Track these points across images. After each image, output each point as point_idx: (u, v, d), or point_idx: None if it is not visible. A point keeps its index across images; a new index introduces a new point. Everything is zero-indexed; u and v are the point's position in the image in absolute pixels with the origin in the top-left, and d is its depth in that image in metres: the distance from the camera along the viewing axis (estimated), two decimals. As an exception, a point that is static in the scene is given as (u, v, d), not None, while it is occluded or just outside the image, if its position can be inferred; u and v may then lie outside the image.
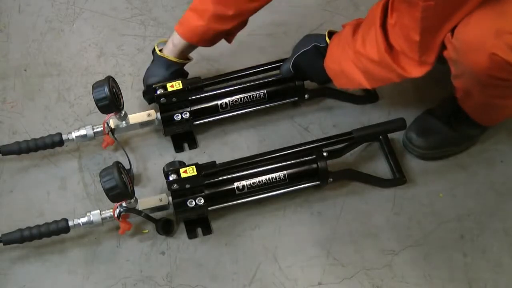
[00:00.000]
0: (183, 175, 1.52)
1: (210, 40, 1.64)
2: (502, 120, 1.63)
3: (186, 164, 1.58)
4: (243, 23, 1.64)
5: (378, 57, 1.43)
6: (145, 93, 1.71)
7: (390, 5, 1.39)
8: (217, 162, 1.59)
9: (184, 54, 1.67)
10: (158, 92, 1.65)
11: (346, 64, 1.51)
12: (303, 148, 1.59)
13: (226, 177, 1.56)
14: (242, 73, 1.72)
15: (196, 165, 1.54)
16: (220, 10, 1.56)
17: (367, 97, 1.76)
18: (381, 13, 1.41)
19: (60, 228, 1.50)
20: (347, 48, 1.50)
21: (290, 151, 1.59)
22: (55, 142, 1.63)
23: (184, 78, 1.70)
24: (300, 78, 1.67)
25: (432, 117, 1.64)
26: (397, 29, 1.38)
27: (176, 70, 1.68)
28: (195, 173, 1.52)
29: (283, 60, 1.70)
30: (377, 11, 1.42)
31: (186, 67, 1.73)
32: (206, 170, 1.55)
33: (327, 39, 1.58)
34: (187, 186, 1.51)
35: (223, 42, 1.69)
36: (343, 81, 1.56)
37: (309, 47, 1.59)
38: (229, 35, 1.66)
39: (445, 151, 1.65)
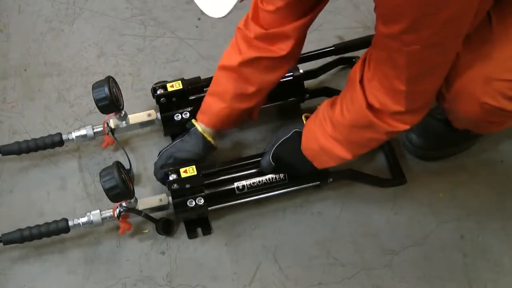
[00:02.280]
0: (183, 175, 1.52)
1: (234, 121, 1.57)
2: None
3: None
4: (264, 98, 1.57)
5: (360, 117, 1.34)
6: (161, 177, 1.57)
7: (368, 57, 1.31)
8: (217, 162, 1.59)
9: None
10: (158, 92, 1.65)
11: (324, 140, 1.42)
12: None
13: (226, 177, 1.56)
14: (242, 73, 1.72)
15: (196, 165, 1.54)
16: (240, 89, 1.50)
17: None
18: (360, 68, 1.33)
19: (60, 228, 1.50)
20: (324, 123, 1.42)
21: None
22: (55, 142, 1.63)
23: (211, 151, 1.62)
24: (282, 171, 1.55)
25: (432, 118, 1.63)
26: (375, 83, 1.29)
27: (208, 148, 1.58)
28: (195, 173, 1.52)
29: None
30: (357, 67, 1.34)
31: (185, 68, 1.72)
32: (206, 170, 1.55)
33: (304, 121, 1.51)
34: (187, 186, 1.51)
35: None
36: (323, 158, 1.46)
37: (289, 135, 1.50)
38: (252, 112, 1.59)
39: (445, 151, 1.65)
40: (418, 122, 1.34)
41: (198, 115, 1.57)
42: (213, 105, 1.53)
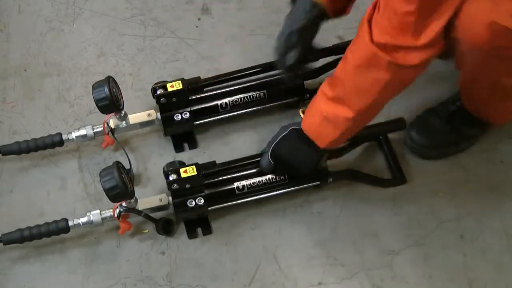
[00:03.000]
0: (183, 175, 1.52)
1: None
2: (508, 119, 1.62)
3: (186, 164, 1.58)
4: None
5: (363, 53, 1.30)
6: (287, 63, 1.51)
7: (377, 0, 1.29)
8: (217, 162, 1.59)
9: None
10: (158, 92, 1.65)
11: (325, 106, 1.40)
12: None
13: (226, 177, 1.56)
14: (242, 73, 1.72)
15: (196, 165, 1.54)
16: None
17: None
18: (370, 12, 1.30)
19: (60, 228, 1.50)
20: (322, 91, 1.41)
21: None
22: (55, 142, 1.63)
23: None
24: (281, 170, 1.54)
25: (433, 116, 1.64)
26: (383, 22, 1.26)
27: (319, 12, 1.49)
28: (195, 173, 1.52)
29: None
30: (366, 12, 1.31)
31: (185, 68, 1.71)
32: (206, 170, 1.55)
33: (301, 115, 1.49)
34: (187, 186, 1.51)
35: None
36: (326, 131, 1.42)
37: (286, 132, 1.48)
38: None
39: (445, 150, 1.65)
40: (425, 61, 1.28)
41: None
42: None
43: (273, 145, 1.50)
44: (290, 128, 1.49)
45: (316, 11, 1.48)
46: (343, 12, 1.52)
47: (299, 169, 1.52)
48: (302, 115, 1.50)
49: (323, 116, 1.41)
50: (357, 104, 1.36)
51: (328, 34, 1.87)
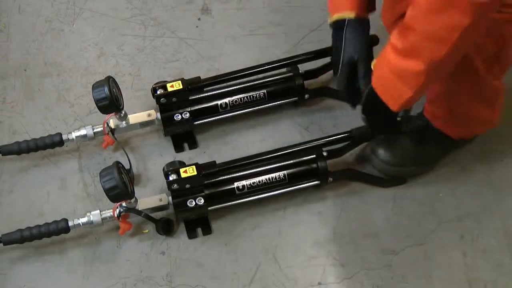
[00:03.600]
0: (183, 175, 1.52)
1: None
2: (474, 131, 1.60)
3: (186, 164, 1.58)
4: None
5: None
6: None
7: None
8: (217, 162, 1.59)
9: None
10: (158, 92, 1.65)
11: (394, 60, 1.26)
12: (302, 147, 1.59)
13: (226, 177, 1.56)
14: (242, 73, 1.72)
15: (196, 165, 1.54)
16: None
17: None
18: None
19: (60, 228, 1.50)
20: (390, 47, 1.27)
21: (290, 150, 1.59)
22: (55, 142, 1.63)
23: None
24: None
25: (401, 134, 1.59)
26: None
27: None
28: (195, 173, 1.52)
29: (283, 60, 1.70)
30: None
31: (185, 68, 1.71)
32: (206, 170, 1.55)
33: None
34: (187, 186, 1.51)
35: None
36: (398, 89, 1.28)
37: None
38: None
39: (407, 170, 1.61)
40: None
41: (332, 12, 1.42)
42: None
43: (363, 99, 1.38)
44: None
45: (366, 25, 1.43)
46: (373, 9, 1.47)
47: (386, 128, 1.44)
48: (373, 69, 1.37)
49: (391, 72, 1.28)
50: (430, 54, 1.22)
51: (328, 34, 1.88)
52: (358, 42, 1.40)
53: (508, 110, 1.57)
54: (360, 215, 1.60)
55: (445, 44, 1.19)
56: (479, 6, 1.14)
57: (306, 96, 1.71)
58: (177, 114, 1.66)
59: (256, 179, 1.55)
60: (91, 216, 1.51)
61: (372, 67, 1.36)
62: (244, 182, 1.55)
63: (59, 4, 2.00)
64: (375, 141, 1.61)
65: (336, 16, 1.41)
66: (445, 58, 1.21)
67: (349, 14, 1.39)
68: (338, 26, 1.41)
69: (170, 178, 1.52)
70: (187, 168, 1.53)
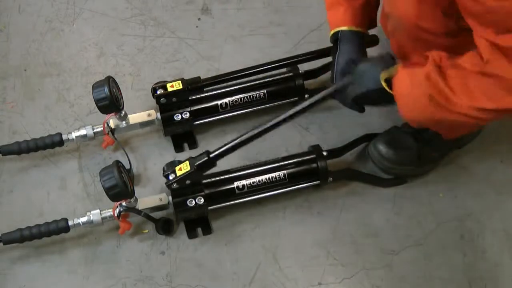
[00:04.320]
0: (178, 172, 1.49)
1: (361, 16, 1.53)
2: (460, 132, 1.60)
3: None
4: None
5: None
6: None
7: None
8: (217, 162, 1.58)
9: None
10: (158, 92, 1.65)
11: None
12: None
13: (226, 176, 1.56)
14: (242, 73, 1.72)
15: (189, 159, 1.52)
16: None
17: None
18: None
19: (60, 228, 1.50)
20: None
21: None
22: (55, 142, 1.63)
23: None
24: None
25: (403, 133, 1.61)
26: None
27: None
28: (189, 168, 1.49)
29: (283, 60, 1.70)
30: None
31: (185, 68, 1.71)
32: (197, 160, 1.51)
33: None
34: (188, 182, 1.50)
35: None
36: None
37: (375, 88, 1.39)
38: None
39: (408, 169, 1.62)
40: None
41: (332, 25, 1.54)
42: (337, 14, 1.53)
43: (356, 94, 1.42)
44: (380, 87, 1.38)
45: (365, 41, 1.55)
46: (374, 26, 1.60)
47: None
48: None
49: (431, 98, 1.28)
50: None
51: (328, 34, 1.88)
52: (350, 51, 1.50)
53: (508, 110, 1.57)
54: (360, 215, 1.60)
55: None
56: None
57: (306, 96, 1.71)
58: (177, 114, 1.66)
59: (256, 179, 1.55)
60: (91, 215, 1.51)
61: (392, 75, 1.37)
62: (244, 182, 1.55)
63: (59, 4, 2.00)
64: (378, 138, 1.61)
65: (333, 31, 1.54)
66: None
67: (342, 27, 1.52)
68: (334, 39, 1.54)
69: (170, 178, 1.52)
70: (181, 165, 1.51)
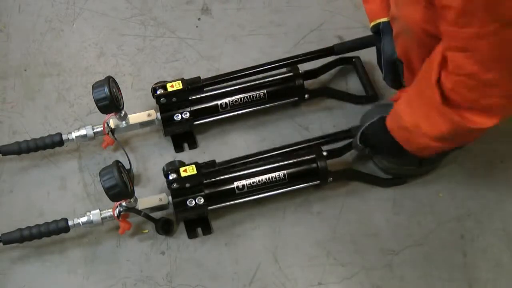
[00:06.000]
0: (183, 174, 1.52)
1: None
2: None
3: (186, 164, 1.58)
4: None
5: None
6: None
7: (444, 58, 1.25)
8: (217, 162, 1.59)
9: None
10: (158, 92, 1.65)
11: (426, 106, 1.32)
12: (302, 146, 1.60)
13: (226, 176, 1.56)
14: (242, 73, 1.72)
15: (196, 164, 1.54)
16: None
17: (367, 97, 1.76)
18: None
19: (60, 228, 1.50)
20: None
21: (289, 149, 1.59)
22: (55, 142, 1.63)
23: None
24: (371, 151, 1.56)
25: None
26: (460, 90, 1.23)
27: None
28: (195, 172, 1.52)
29: (283, 60, 1.70)
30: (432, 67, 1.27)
31: (185, 68, 1.71)
32: (206, 168, 1.55)
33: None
34: (187, 185, 1.51)
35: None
36: (425, 128, 1.34)
37: (374, 119, 1.49)
38: None
39: (408, 170, 1.61)
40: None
41: (372, 16, 1.56)
42: (374, 6, 1.55)
43: (361, 130, 1.52)
44: (378, 116, 1.48)
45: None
46: None
47: (385, 153, 1.57)
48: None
49: (424, 114, 1.34)
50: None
51: (328, 34, 1.88)
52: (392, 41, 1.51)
53: (508, 110, 1.57)
54: (360, 215, 1.60)
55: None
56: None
57: (306, 96, 1.71)
58: (177, 114, 1.66)
59: (256, 179, 1.55)
60: (91, 215, 1.51)
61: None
62: (244, 182, 1.55)
63: (59, 4, 2.00)
64: None
65: (373, 22, 1.55)
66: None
67: (382, 19, 1.53)
68: (375, 31, 1.55)
69: (170, 178, 1.52)
70: (187, 167, 1.53)
